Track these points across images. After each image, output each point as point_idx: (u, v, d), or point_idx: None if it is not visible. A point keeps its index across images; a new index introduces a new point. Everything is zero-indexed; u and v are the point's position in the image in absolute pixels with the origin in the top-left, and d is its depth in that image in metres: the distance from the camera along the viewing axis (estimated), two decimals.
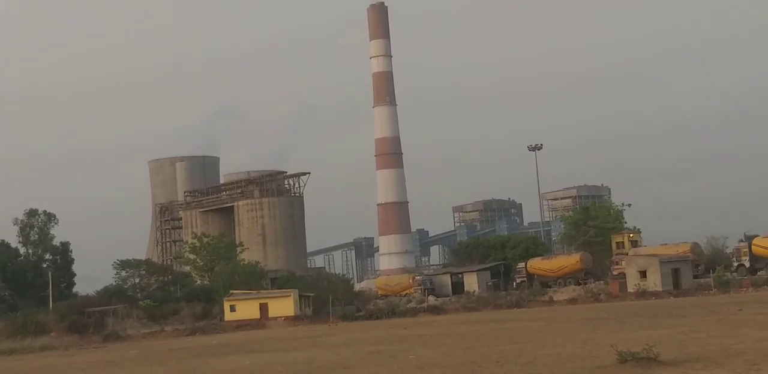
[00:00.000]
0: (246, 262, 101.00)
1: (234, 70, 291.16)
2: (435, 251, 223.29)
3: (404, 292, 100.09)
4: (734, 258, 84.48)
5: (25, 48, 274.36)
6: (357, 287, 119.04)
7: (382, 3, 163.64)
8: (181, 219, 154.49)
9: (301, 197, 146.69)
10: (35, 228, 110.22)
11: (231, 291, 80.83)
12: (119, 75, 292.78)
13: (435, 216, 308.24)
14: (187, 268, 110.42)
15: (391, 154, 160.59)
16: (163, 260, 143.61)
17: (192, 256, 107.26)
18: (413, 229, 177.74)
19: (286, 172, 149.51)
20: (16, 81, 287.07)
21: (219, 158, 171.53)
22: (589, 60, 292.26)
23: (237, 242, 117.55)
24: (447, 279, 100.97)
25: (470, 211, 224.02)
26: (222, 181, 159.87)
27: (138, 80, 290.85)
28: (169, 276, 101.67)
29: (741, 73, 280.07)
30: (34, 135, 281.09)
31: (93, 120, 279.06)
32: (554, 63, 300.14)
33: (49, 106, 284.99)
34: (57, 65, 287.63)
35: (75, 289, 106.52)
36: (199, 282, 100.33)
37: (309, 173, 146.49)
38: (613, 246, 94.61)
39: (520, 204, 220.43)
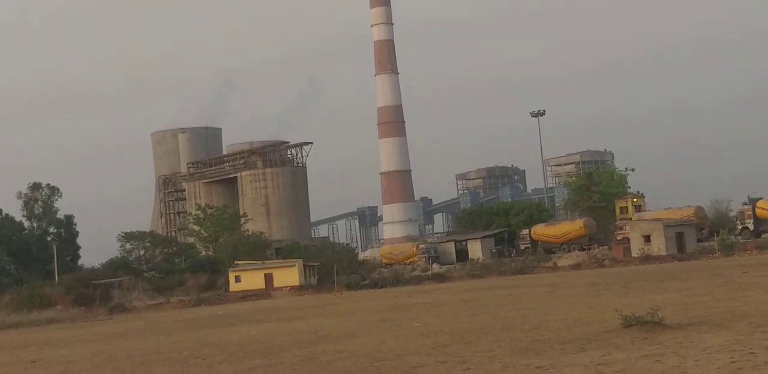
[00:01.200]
0: (250, 233, 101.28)
1: (235, 38, 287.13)
2: (439, 219, 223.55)
3: (408, 260, 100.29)
4: (738, 221, 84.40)
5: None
6: (361, 256, 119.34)
7: None
8: (184, 190, 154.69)
9: (304, 167, 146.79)
10: (39, 202, 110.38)
11: (235, 262, 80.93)
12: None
13: (438, 184, 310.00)
14: (191, 240, 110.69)
15: (393, 122, 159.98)
16: (167, 232, 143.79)
17: (196, 228, 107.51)
18: (417, 198, 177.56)
19: (288, 142, 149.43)
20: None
21: (221, 129, 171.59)
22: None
23: (241, 213, 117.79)
24: (451, 247, 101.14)
25: (473, 179, 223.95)
26: (225, 151, 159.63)
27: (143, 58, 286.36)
28: (174, 248, 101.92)
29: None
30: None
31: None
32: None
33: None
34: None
35: (80, 262, 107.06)
36: (203, 253, 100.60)
37: (311, 143, 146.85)
38: (617, 211, 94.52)
39: (524, 170, 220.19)
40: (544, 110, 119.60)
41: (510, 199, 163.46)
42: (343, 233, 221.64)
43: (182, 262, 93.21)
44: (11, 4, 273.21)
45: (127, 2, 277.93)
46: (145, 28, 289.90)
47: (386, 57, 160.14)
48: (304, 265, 78.82)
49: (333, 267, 79.26)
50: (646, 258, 70.07)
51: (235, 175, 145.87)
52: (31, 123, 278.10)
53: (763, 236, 78.08)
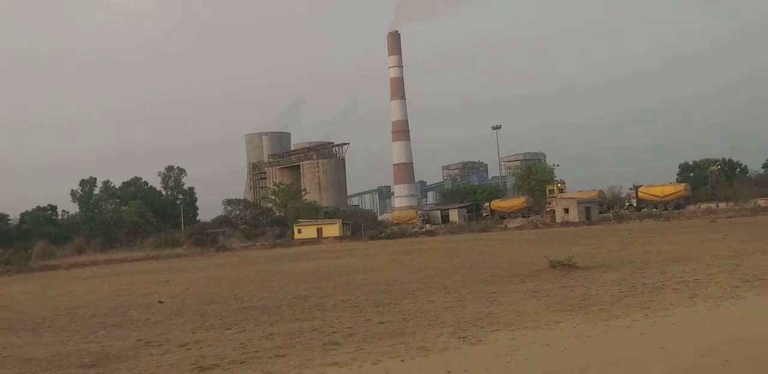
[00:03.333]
0: (308, 201, 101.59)
1: (306, 69, 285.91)
2: (431, 195, 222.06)
3: (410, 222, 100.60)
4: (626, 200, 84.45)
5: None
6: (379, 218, 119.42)
7: (396, 31, 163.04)
8: (266, 173, 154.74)
9: (343, 159, 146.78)
10: (172, 178, 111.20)
11: (298, 220, 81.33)
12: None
13: (431, 172, 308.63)
14: (270, 205, 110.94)
15: (402, 131, 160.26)
16: (254, 199, 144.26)
17: (273, 197, 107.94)
18: (416, 181, 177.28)
19: (333, 143, 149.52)
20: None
21: (290, 133, 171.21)
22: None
23: (302, 188, 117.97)
24: (438, 214, 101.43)
25: (454, 169, 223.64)
26: (292, 148, 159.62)
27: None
28: (258, 210, 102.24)
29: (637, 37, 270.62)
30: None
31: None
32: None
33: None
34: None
35: (198, 218, 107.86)
36: (278, 214, 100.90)
37: (348, 143, 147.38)
38: (547, 192, 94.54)
39: (486, 164, 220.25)
40: (500, 125, 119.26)
41: (477, 183, 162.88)
42: (368, 203, 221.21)
43: (264, 220, 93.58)
44: (164, 35, 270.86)
45: (230, 44, 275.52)
46: (243, 59, 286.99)
47: (398, 88, 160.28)
48: (342, 223, 79.20)
49: (361, 225, 79.52)
50: (566, 224, 70.12)
51: (298, 164, 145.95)
52: (169, 124, 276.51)
53: (642, 210, 77.99)
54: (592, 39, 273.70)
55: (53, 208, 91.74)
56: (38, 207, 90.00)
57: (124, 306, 19.93)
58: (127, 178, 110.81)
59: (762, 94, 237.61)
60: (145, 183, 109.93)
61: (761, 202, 72.34)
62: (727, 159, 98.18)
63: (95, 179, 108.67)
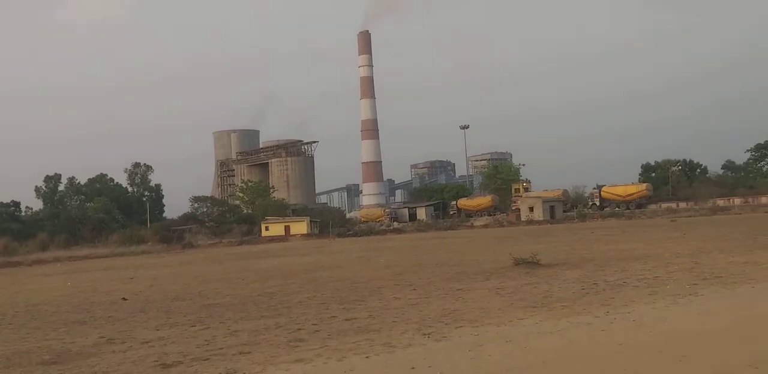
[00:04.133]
0: (276, 199, 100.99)
1: (274, 71, 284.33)
2: (399, 193, 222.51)
3: (378, 219, 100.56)
4: (590, 200, 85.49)
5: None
6: (348, 216, 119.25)
7: (367, 31, 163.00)
8: (234, 170, 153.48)
9: (312, 157, 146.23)
10: (138, 175, 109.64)
11: (266, 217, 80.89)
12: (195, 70, 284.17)
13: (399, 170, 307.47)
14: (237, 202, 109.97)
15: (371, 129, 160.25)
16: (221, 197, 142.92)
17: (241, 194, 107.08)
18: (385, 179, 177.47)
19: (302, 141, 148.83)
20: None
21: (259, 131, 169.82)
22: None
23: (270, 186, 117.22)
24: (405, 212, 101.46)
25: (421, 168, 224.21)
26: (261, 145, 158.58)
27: (205, 76, 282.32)
28: (226, 207, 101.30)
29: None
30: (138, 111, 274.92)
31: (180, 102, 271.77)
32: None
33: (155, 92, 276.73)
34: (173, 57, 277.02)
35: (164, 215, 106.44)
36: (245, 211, 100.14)
37: (317, 141, 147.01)
38: (513, 191, 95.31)
39: (454, 163, 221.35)
40: (468, 124, 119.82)
41: (444, 182, 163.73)
42: (337, 201, 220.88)
43: (231, 217, 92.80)
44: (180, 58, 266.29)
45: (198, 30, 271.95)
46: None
47: (367, 87, 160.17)
48: (310, 220, 78.94)
49: (329, 223, 79.33)
50: (530, 222, 70.78)
51: (267, 161, 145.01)
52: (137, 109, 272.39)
53: (605, 209, 79.07)
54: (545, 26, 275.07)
55: (16, 204, 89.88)
56: (1, 203, 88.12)
57: (86, 303, 19.58)
58: (92, 175, 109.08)
59: (723, 88, 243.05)
60: (111, 179, 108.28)
61: (720, 202, 73.95)
62: (687, 160, 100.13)
63: (60, 175, 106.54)
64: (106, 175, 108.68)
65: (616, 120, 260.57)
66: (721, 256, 20.75)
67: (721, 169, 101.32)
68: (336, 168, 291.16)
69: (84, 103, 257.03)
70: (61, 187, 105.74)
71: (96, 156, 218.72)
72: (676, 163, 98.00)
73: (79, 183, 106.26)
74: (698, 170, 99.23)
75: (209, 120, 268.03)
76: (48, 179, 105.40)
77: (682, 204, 77.99)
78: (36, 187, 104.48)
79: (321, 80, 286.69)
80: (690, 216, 61.78)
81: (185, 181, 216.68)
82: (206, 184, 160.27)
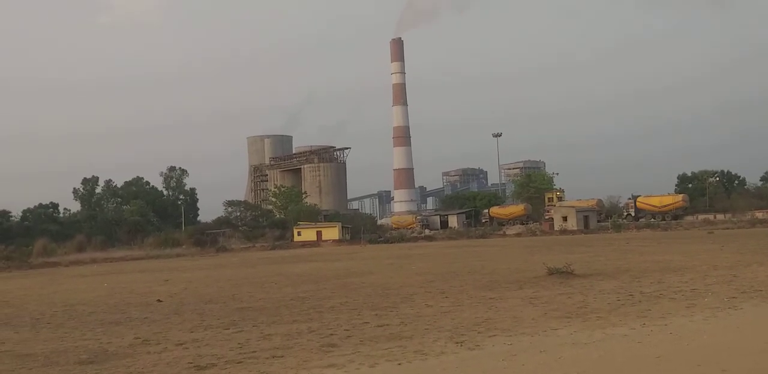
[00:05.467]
0: (308, 204, 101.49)
1: (304, 82, 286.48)
2: (430, 201, 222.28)
3: (409, 226, 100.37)
4: (624, 210, 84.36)
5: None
6: (379, 222, 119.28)
7: (400, 38, 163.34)
8: (267, 175, 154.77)
9: (344, 163, 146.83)
10: (173, 178, 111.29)
11: (298, 223, 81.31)
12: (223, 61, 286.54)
13: (431, 177, 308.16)
14: (270, 207, 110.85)
15: (403, 137, 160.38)
16: (255, 201, 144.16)
17: (274, 199, 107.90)
18: (416, 186, 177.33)
19: (334, 147, 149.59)
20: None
21: (292, 137, 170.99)
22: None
23: (303, 191, 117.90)
24: (437, 219, 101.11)
25: (453, 175, 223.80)
26: (294, 151, 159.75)
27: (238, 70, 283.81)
28: (259, 212, 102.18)
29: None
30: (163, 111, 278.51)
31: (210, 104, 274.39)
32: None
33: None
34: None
35: (199, 218, 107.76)
36: (278, 216, 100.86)
37: (350, 148, 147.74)
38: (546, 200, 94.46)
39: (486, 171, 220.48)
40: (501, 132, 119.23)
41: (477, 190, 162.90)
42: (368, 207, 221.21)
43: (264, 221, 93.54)
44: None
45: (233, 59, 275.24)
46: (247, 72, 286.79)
47: (399, 94, 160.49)
48: (342, 226, 79.12)
49: (360, 229, 79.44)
50: (564, 231, 70.01)
51: (299, 167, 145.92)
52: (175, 129, 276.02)
53: (640, 220, 77.91)
54: (600, 60, 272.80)
55: (55, 206, 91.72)
56: (40, 204, 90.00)
57: (122, 304, 19.87)
58: (129, 178, 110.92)
59: (761, 115, 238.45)
60: (147, 183, 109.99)
61: (758, 214, 72.28)
62: (725, 171, 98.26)
63: (97, 178, 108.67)
64: (142, 178, 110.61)
65: (654, 138, 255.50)
66: (761, 269, 20.26)
67: (760, 180, 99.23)
68: (369, 174, 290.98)
69: (124, 95, 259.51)
70: (98, 190, 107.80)
71: (131, 154, 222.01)
72: (713, 174, 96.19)
73: (115, 185, 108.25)
74: (736, 182, 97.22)
75: (239, 120, 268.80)
76: (86, 182, 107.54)
77: (720, 216, 76.41)
78: (74, 188, 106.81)
79: (355, 83, 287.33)
80: (727, 229, 60.52)
81: (217, 181, 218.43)
82: (241, 189, 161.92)
